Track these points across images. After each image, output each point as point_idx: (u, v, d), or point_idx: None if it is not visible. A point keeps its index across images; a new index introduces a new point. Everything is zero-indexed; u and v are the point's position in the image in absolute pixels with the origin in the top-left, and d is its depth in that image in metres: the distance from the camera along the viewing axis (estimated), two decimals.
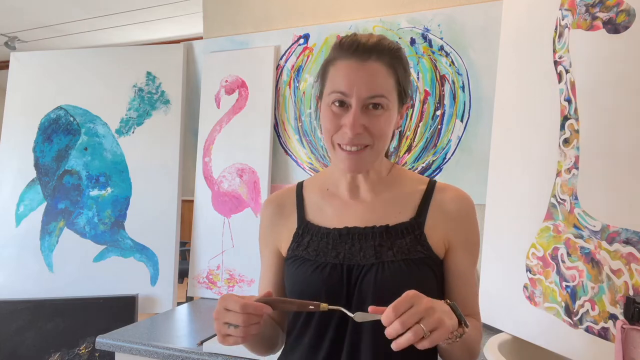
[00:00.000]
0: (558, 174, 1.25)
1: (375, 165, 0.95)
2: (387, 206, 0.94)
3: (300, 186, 1.04)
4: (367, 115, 0.87)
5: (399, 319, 0.70)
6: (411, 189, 0.96)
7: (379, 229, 0.91)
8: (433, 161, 1.79)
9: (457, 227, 0.93)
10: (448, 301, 0.81)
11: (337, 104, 0.88)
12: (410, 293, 0.73)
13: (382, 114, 0.88)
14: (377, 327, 0.84)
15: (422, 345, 0.70)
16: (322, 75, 0.93)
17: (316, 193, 1.01)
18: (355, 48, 0.87)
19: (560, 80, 1.27)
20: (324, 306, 0.80)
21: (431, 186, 0.96)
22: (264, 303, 0.80)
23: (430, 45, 1.80)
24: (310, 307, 0.80)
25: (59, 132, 2.19)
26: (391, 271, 0.87)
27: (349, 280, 0.88)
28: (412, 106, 1.82)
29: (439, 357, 0.93)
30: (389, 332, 0.71)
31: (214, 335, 1.51)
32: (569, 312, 1.20)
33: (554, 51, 1.29)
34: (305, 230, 0.96)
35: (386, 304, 0.75)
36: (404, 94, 0.92)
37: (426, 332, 0.70)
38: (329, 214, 0.97)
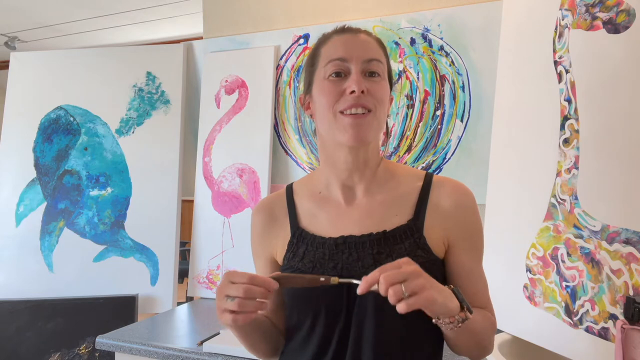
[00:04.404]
0: (558, 174, 1.25)
1: (370, 154, 0.92)
2: (383, 209, 0.91)
3: (290, 190, 1.00)
4: (367, 81, 0.86)
5: (383, 274, 0.71)
6: (407, 188, 0.92)
7: (376, 236, 0.88)
8: (433, 161, 1.79)
9: (455, 223, 0.89)
10: (451, 286, 0.79)
11: (334, 75, 0.87)
12: (403, 259, 0.74)
13: (379, 81, 0.88)
14: (379, 339, 0.83)
15: (400, 308, 0.70)
16: (312, 61, 0.92)
17: (308, 198, 0.97)
18: (345, 28, 0.92)
19: (560, 80, 1.27)
20: (335, 280, 0.78)
21: (428, 182, 0.92)
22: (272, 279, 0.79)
23: (430, 45, 1.80)
24: (321, 279, 0.79)
25: (59, 132, 2.19)
26: None
27: (349, 293, 0.85)
28: (412, 106, 1.82)
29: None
30: (368, 279, 0.73)
31: (214, 335, 1.51)
32: (569, 312, 1.20)
33: (554, 51, 1.29)
34: (300, 239, 0.93)
35: (387, 314, 0.74)
36: (390, 74, 0.94)
37: (405, 293, 0.70)
38: (323, 221, 0.93)
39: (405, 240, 0.87)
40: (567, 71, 1.25)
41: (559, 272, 1.23)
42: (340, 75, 0.87)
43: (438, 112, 1.79)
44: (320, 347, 0.87)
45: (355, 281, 0.77)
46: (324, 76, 0.88)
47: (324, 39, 0.92)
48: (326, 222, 0.93)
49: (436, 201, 0.90)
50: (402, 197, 0.92)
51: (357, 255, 0.87)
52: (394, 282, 0.70)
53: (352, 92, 0.84)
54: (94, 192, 2.14)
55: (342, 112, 0.86)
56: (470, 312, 0.78)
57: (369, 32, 0.93)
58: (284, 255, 0.95)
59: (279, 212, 0.98)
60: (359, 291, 0.73)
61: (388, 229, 0.88)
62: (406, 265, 0.72)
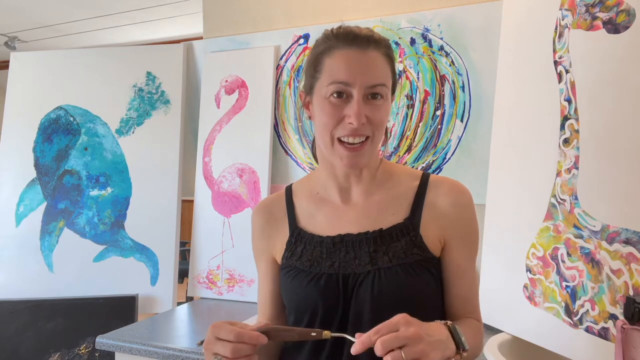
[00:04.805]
0: (558, 174, 1.25)
1: (370, 161, 0.92)
2: (380, 208, 0.91)
3: (289, 191, 1.01)
4: (368, 105, 0.84)
5: (380, 339, 0.67)
6: (404, 187, 0.93)
7: (372, 234, 0.88)
8: (433, 161, 1.79)
9: (451, 222, 0.89)
10: (449, 324, 0.77)
11: (336, 95, 0.84)
12: (399, 317, 0.70)
13: (382, 103, 0.86)
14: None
15: None
16: (315, 67, 0.89)
17: (306, 198, 0.98)
18: (352, 37, 0.85)
19: (560, 80, 1.27)
20: (327, 334, 0.75)
21: (424, 181, 0.92)
22: (261, 333, 0.76)
23: (430, 45, 1.80)
24: (312, 334, 0.76)
25: (59, 132, 2.19)
26: (387, 278, 0.84)
27: (345, 290, 0.86)
28: (412, 106, 1.82)
29: None
30: (364, 340, 0.69)
31: None
32: (569, 312, 1.20)
33: (554, 51, 1.29)
34: (298, 238, 0.93)
35: (384, 311, 0.73)
36: (394, 85, 0.92)
37: None
38: (320, 221, 0.94)
39: (402, 239, 0.87)
40: (567, 71, 1.25)
41: (559, 272, 1.23)
42: (342, 96, 0.84)
43: (438, 112, 1.79)
44: (317, 342, 0.87)
45: (348, 337, 0.74)
46: (325, 95, 0.86)
47: (329, 48, 0.87)
48: (324, 221, 0.94)
49: (433, 200, 0.90)
50: (399, 196, 0.92)
51: (354, 254, 0.88)
52: (392, 347, 0.67)
53: (351, 122, 0.83)
54: (94, 192, 2.14)
55: (340, 140, 0.85)
56: (466, 351, 0.76)
57: (378, 43, 0.87)
58: (282, 255, 0.95)
59: (278, 213, 0.98)
60: (353, 351, 0.70)
61: (384, 227, 0.89)
62: (404, 326, 0.69)
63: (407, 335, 0.68)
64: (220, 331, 0.75)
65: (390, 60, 0.89)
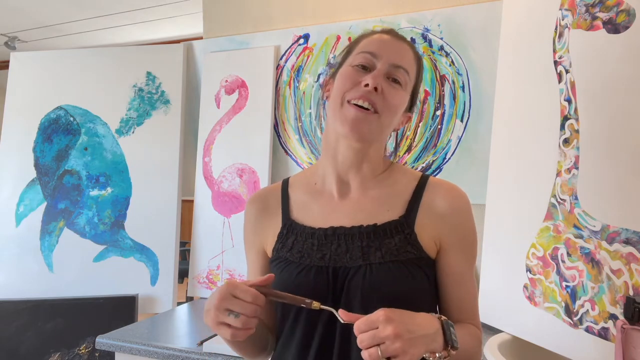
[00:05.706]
0: (558, 174, 1.25)
1: (371, 155, 0.92)
2: (376, 204, 0.91)
3: (285, 183, 1.01)
4: (386, 83, 0.88)
5: (358, 337, 0.70)
6: (402, 185, 0.93)
7: (366, 229, 0.88)
8: (433, 161, 1.79)
9: (448, 227, 0.89)
10: (442, 318, 0.77)
11: (360, 67, 0.89)
12: (380, 313, 0.71)
13: (399, 90, 0.89)
14: None
15: None
16: (349, 47, 0.95)
17: (302, 190, 0.97)
18: (390, 30, 0.95)
19: (560, 80, 1.27)
20: (316, 305, 0.78)
21: (423, 182, 0.93)
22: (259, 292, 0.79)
23: (430, 45, 1.80)
24: (302, 305, 0.79)
25: (59, 132, 2.19)
26: (379, 274, 0.84)
27: (335, 284, 0.85)
28: None
29: None
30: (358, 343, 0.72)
31: (214, 335, 1.51)
32: (569, 312, 1.20)
33: (554, 51, 1.29)
34: (290, 229, 0.93)
35: (374, 307, 0.73)
36: (414, 96, 0.95)
37: (381, 358, 0.68)
38: (314, 213, 0.93)
39: (396, 236, 0.87)
40: (567, 71, 1.25)
41: (559, 272, 1.23)
42: (366, 68, 0.89)
43: (438, 112, 1.79)
44: (305, 336, 0.86)
45: (335, 312, 0.77)
46: (351, 63, 0.90)
47: (369, 33, 0.95)
48: (318, 213, 0.93)
49: (429, 201, 0.90)
50: (396, 194, 0.92)
51: (346, 247, 0.87)
52: (369, 346, 0.69)
53: (366, 85, 0.86)
54: (94, 192, 2.14)
55: (349, 102, 0.87)
56: (455, 349, 0.76)
57: (414, 46, 0.94)
58: (273, 247, 0.95)
59: (273, 204, 0.98)
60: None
61: (379, 223, 0.88)
62: (382, 324, 0.70)
63: (384, 336, 0.69)
64: (236, 290, 0.77)
65: (418, 65, 0.94)
